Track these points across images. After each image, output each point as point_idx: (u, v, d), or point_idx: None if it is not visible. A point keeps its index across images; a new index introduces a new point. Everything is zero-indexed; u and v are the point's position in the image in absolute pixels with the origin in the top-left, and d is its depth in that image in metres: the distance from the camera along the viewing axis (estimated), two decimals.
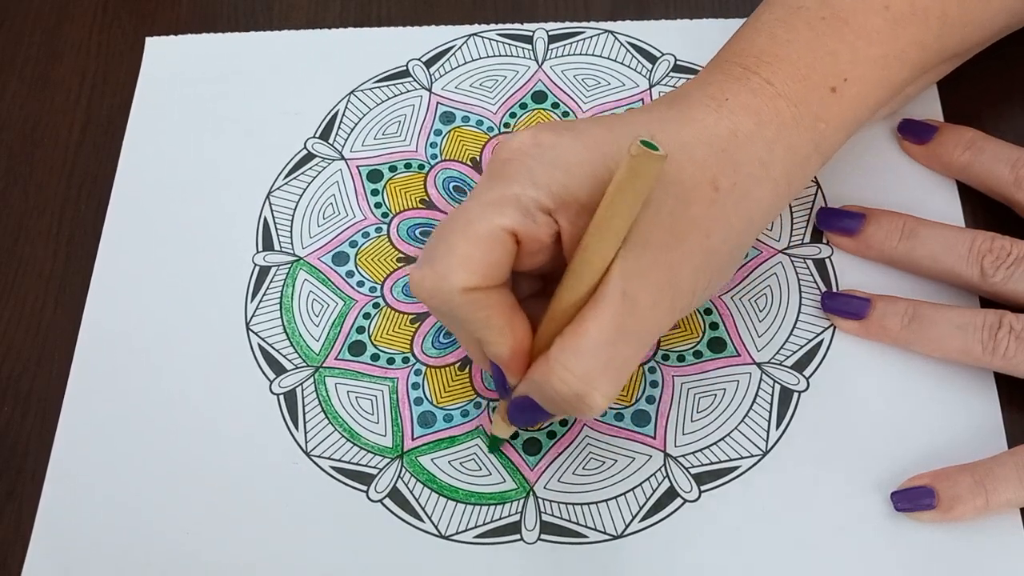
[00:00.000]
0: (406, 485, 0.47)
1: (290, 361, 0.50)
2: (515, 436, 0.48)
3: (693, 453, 0.47)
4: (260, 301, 0.52)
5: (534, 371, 0.40)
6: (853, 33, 0.45)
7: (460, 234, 0.39)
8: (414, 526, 0.47)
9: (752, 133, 0.43)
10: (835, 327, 0.49)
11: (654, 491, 0.47)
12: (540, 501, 0.47)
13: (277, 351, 0.51)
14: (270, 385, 0.50)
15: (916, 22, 0.46)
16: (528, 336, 0.41)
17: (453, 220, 0.40)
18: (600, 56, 0.57)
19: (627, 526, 0.46)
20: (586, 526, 0.46)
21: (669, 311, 0.41)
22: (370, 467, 0.48)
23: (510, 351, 0.40)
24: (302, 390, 0.50)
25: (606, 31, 0.58)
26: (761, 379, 0.49)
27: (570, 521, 0.46)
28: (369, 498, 0.47)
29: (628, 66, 0.57)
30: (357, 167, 0.55)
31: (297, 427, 0.49)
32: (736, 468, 0.47)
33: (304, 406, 0.49)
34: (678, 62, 0.57)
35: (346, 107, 0.57)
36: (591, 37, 0.58)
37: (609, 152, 0.40)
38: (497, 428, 0.46)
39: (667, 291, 0.40)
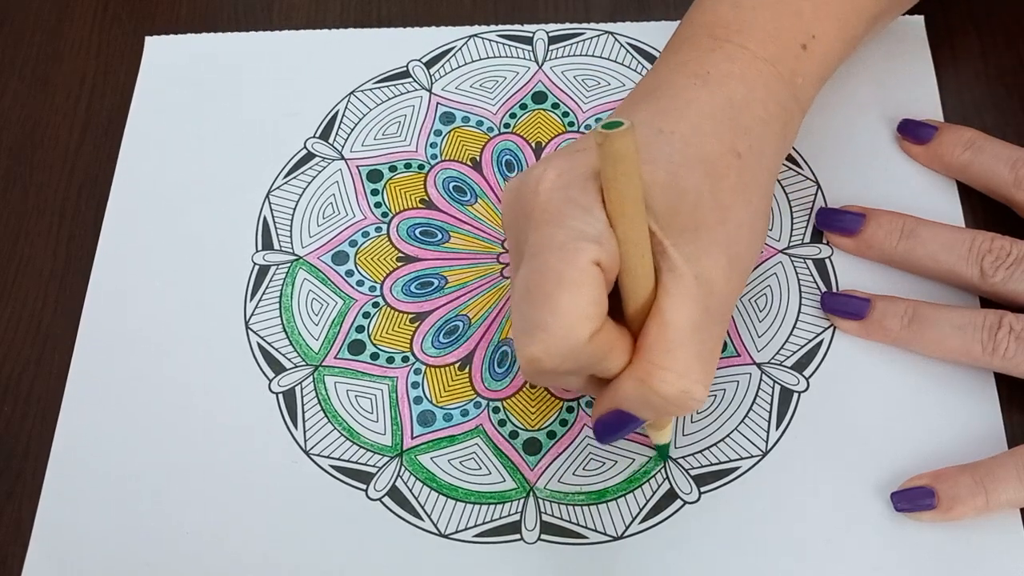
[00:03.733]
0: (405, 484, 0.47)
1: (289, 360, 0.50)
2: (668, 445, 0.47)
3: (693, 454, 0.47)
4: (259, 300, 0.52)
5: (626, 381, 0.39)
6: None
7: (557, 288, 0.37)
8: (414, 525, 0.47)
9: (746, 97, 0.43)
10: (835, 327, 0.49)
11: (654, 492, 0.47)
12: (540, 501, 0.47)
13: (276, 350, 0.51)
14: (269, 384, 0.50)
15: None
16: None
17: (538, 280, 0.38)
18: (600, 57, 0.57)
19: (627, 527, 0.46)
20: (586, 527, 0.46)
21: (739, 283, 0.41)
22: (369, 466, 0.48)
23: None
24: (301, 389, 0.50)
25: (606, 32, 0.58)
26: (761, 379, 0.49)
27: (570, 521, 0.46)
28: (368, 497, 0.47)
29: (628, 67, 0.57)
30: (357, 167, 0.55)
31: (296, 426, 0.49)
32: (736, 469, 0.47)
33: (303, 405, 0.49)
34: None
35: (346, 107, 0.57)
36: (591, 38, 0.58)
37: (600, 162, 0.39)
38: (658, 436, 0.45)
39: (734, 264, 0.40)
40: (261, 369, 0.50)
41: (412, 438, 0.49)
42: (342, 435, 0.49)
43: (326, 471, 0.48)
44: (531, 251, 0.39)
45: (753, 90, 0.44)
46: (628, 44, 0.57)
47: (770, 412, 0.48)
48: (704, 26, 0.46)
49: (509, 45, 0.58)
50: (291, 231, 0.54)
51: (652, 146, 0.40)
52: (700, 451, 0.47)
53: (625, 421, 0.40)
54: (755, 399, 0.48)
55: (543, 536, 0.46)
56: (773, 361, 0.49)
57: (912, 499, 0.45)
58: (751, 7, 0.45)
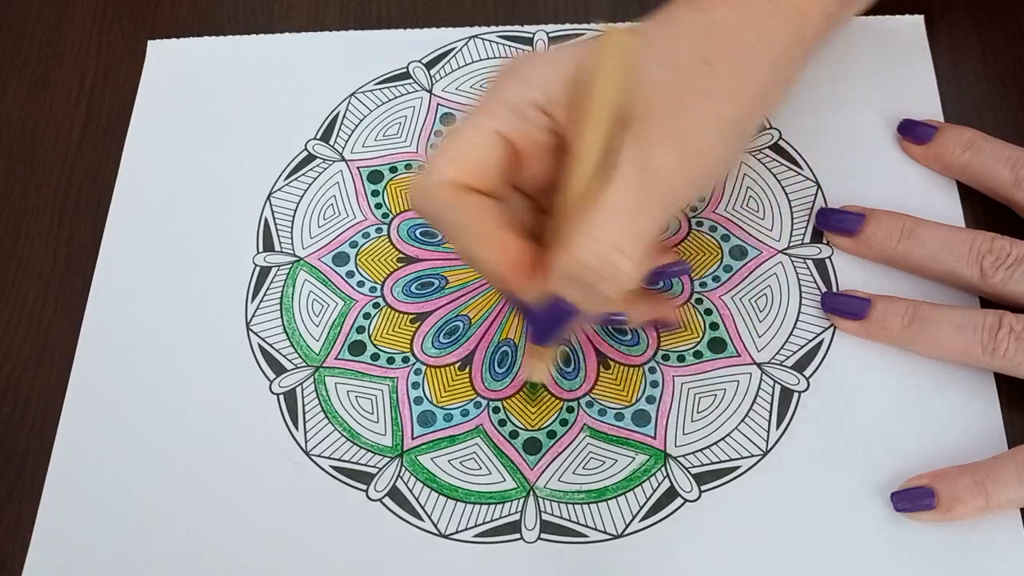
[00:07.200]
0: (406, 484, 0.47)
1: (290, 361, 0.50)
2: (541, 388, 0.48)
3: (693, 453, 0.47)
4: (260, 301, 0.52)
5: (557, 261, 0.40)
6: None
7: (451, 138, 0.40)
8: (414, 525, 0.47)
9: (735, 24, 0.43)
10: (835, 327, 0.49)
11: (654, 491, 0.47)
12: (540, 500, 0.47)
13: (277, 351, 0.51)
14: (270, 385, 0.50)
15: None
16: (522, 250, 0.41)
17: (447, 133, 0.41)
18: None
19: (627, 526, 0.46)
20: (586, 525, 0.46)
21: (684, 175, 0.40)
22: (370, 466, 0.48)
23: (503, 264, 0.40)
24: (302, 390, 0.50)
25: None
26: (761, 379, 0.49)
27: (570, 520, 0.46)
28: (369, 497, 0.47)
29: None
30: (358, 168, 0.55)
31: (297, 427, 0.49)
32: (736, 468, 0.47)
33: (304, 406, 0.49)
34: None
35: (347, 109, 0.57)
36: (591, 38, 0.58)
37: (593, 51, 0.40)
38: (532, 370, 0.46)
39: (688, 162, 0.40)
40: (262, 370, 0.50)
41: (412, 438, 0.49)
42: (342, 436, 0.49)
43: (327, 472, 0.48)
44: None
45: (744, 19, 0.43)
46: None
47: (770, 412, 0.48)
48: None
49: (509, 46, 0.58)
50: (292, 232, 0.54)
51: None
52: (700, 450, 0.47)
53: (558, 309, 0.41)
54: (755, 399, 0.48)
55: (543, 535, 0.46)
56: (773, 361, 0.49)
57: (912, 499, 0.45)
58: None
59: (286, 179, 0.55)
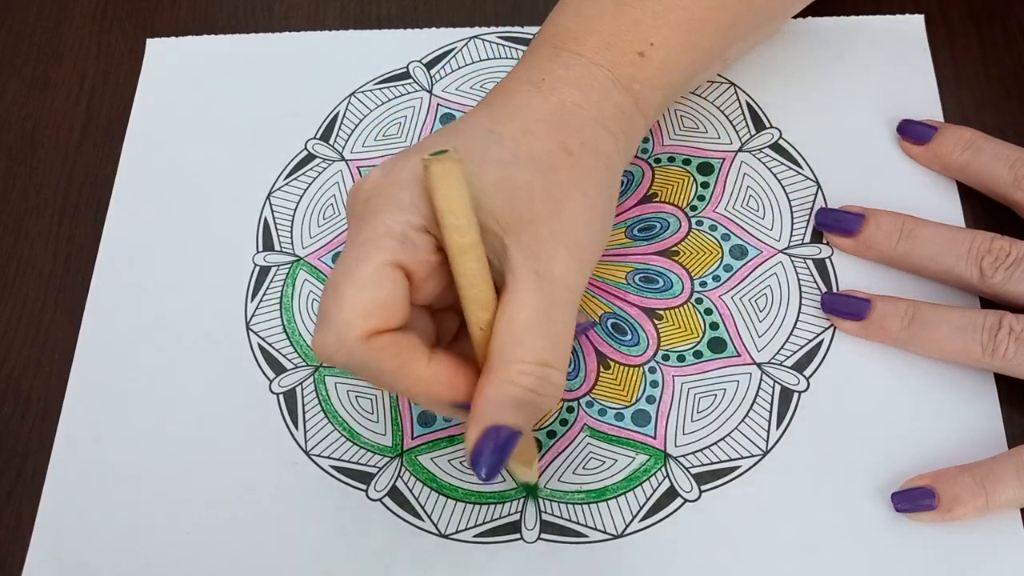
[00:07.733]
0: (406, 484, 0.47)
1: (290, 361, 0.50)
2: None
3: (693, 453, 0.47)
4: (260, 301, 0.52)
5: (485, 388, 0.39)
6: (655, 1, 0.46)
7: (345, 283, 0.38)
8: (414, 525, 0.47)
9: (579, 100, 0.44)
10: (835, 327, 0.49)
11: (654, 491, 0.47)
12: (540, 500, 0.47)
13: (277, 351, 0.51)
14: (270, 384, 0.50)
15: None
16: (450, 367, 0.40)
17: (335, 275, 0.39)
18: None
19: (627, 525, 0.46)
20: (586, 525, 0.46)
21: (580, 271, 0.41)
22: (370, 466, 0.48)
23: (443, 390, 0.40)
24: (302, 389, 0.50)
25: None
26: (761, 379, 0.49)
27: (570, 520, 0.46)
28: (369, 497, 0.47)
29: None
30: (358, 168, 0.55)
31: (297, 426, 0.49)
32: (736, 468, 0.47)
33: (304, 405, 0.49)
34: None
35: (347, 108, 0.57)
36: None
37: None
38: (519, 473, 0.46)
39: (573, 252, 0.41)
40: (262, 370, 0.50)
41: (412, 438, 0.49)
42: (342, 436, 0.49)
43: (326, 471, 0.48)
44: (345, 247, 0.40)
45: (587, 93, 0.44)
46: None
47: (770, 412, 0.48)
48: (547, 37, 0.47)
49: (509, 47, 0.58)
50: (292, 232, 0.54)
51: (482, 147, 0.41)
52: (700, 450, 0.47)
53: (500, 436, 0.39)
54: (755, 399, 0.48)
55: (543, 535, 0.46)
56: (773, 361, 0.49)
57: (912, 499, 0.45)
58: (590, 16, 0.46)
59: (286, 179, 0.55)
